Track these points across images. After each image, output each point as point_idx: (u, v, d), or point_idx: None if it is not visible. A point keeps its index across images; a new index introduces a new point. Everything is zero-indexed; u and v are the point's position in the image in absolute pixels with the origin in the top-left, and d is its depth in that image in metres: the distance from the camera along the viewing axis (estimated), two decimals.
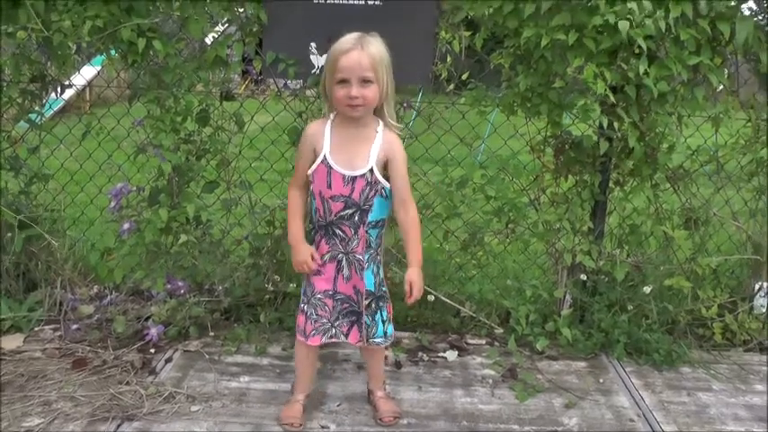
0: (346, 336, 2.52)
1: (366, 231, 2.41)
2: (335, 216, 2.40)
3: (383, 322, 2.52)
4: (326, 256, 2.45)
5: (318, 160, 2.38)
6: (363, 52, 2.26)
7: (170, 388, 2.78)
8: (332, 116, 2.40)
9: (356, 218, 2.39)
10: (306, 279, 2.51)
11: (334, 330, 2.50)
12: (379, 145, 2.37)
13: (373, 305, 2.49)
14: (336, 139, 2.37)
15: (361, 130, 2.38)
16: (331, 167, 2.35)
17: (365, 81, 2.28)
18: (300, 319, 2.52)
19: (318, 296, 2.47)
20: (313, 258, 2.43)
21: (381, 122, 2.40)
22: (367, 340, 2.51)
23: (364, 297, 2.46)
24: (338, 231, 2.42)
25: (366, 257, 2.44)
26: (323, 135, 2.38)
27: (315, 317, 2.48)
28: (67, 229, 3.65)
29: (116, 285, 3.48)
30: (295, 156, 2.43)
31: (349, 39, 2.29)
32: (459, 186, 3.23)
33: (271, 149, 3.70)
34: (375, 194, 2.38)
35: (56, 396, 2.70)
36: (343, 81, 2.28)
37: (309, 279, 2.49)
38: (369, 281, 2.46)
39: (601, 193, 3.21)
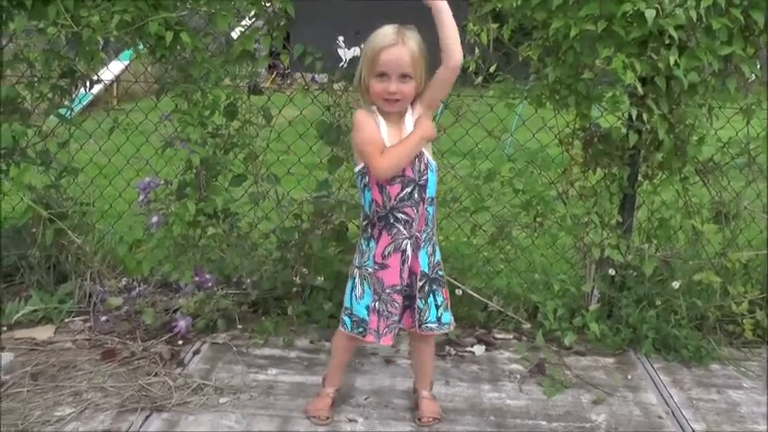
0: (399, 320, 2.48)
1: (425, 208, 2.40)
2: (395, 200, 2.36)
3: (437, 307, 2.48)
4: (390, 248, 2.40)
5: None
6: (405, 48, 2.26)
7: (198, 380, 2.80)
8: (374, 109, 2.37)
9: (416, 195, 2.36)
10: (371, 276, 2.42)
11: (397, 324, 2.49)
12: (412, 115, 2.37)
13: (426, 287, 2.45)
14: (388, 128, 2.36)
15: (401, 121, 2.37)
16: None
17: (404, 77, 2.28)
18: (373, 318, 2.43)
19: (388, 291, 2.42)
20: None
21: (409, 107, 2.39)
22: (419, 326, 2.47)
23: (418, 278, 2.42)
24: (400, 215, 2.37)
25: (423, 236, 2.42)
26: (380, 125, 2.35)
27: (386, 314, 2.43)
28: (96, 222, 3.69)
29: (144, 278, 3.51)
30: (362, 138, 2.33)
31: (389, 32, 2.28)
32: (487, 179, 3.22)
33: (298, 143, 3.71)
34: (426, 167, 2.37)
35: (86, 386, 2.73)
36: (382, 75, 2.28)
37: (377, 275, 2.42)
38: (423, 261, 2.43)
39: (629, 187, 3.18)
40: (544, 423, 2.61)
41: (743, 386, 2.93)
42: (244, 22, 3.42)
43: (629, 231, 3.24)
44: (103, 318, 3.22)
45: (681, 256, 3.29)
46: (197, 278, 3.18)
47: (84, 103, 4.40)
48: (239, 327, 3.25)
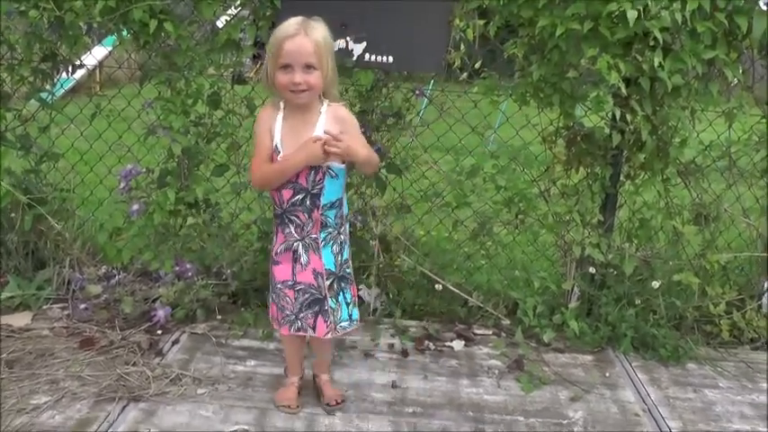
0: (313, 329, 2.48)
1: (322, 214, 2.40)
2: (288, 203, 2.39)
3: (347, 305, 2.51)
4: (282, 246, 2.45)
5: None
6: (307, 38, 2.25)
7: (176, 370, 2.79)
8: (281, 104, 2.38)
9: (308, 202, 2.38)
10: (270, 269, 2.52)
11: (299, 323, 2.49)
12: (324, 124, 2.35)
13: (335, 286, 2.46)
14: (286, 128, 2.36)
15: (306, 115, 2.37)
16: (280, 155, 2.34)
17: (308, 67, 2.26)
18: (273, 308, 2.55)
19: (279, 286, 2.48)
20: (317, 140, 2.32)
21: (325, 102, 2.39)
22: (335, 327, 2.48)
23: (325, 277, 2.44)
24: (293, 218, 2.41)
25: (322, 236, 2.42)
26: (275, 122, 2.37)
27: (280, 306, 2.50)
28: (76, 209, 3.66)
29: (124, 266, 3.48)
30: (254, 141, 2.41)
31: (292, 23, 2.27)
32: (469, 175, 3.22)
33: None
34: (323, 177, 2.36)
35: (63, 375, 2.71)
36: (287, 67, 2.26)
37: (272, 269, 2.50)
38: (328, 260, 2.44)
39: (611, 186, 3.20)
40: (521, 419, 2.62)
41: (719, 386, 2.96)
42: (229, 11, 3.40)
43: (610, 231, 3.26)
44: (82, 306, 3.19)
45: (661, 256, 3.32)
46: (177, 267, 3.16)
47: (65, 88, 4.35)
48: (219, 317, 3.24)
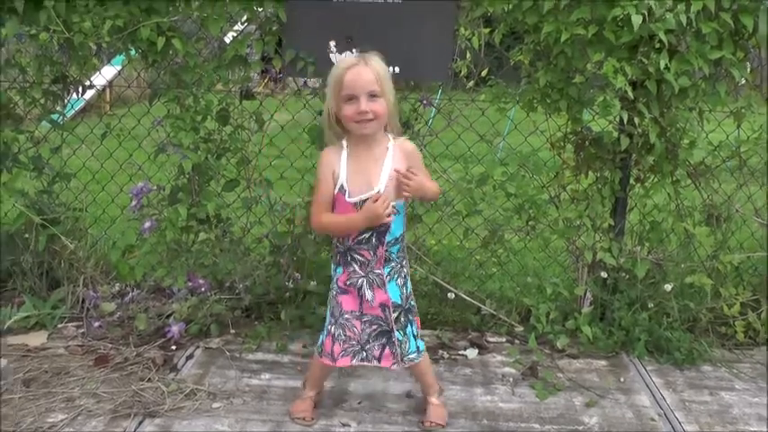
0: (378, 359, 2.47)
1: (386, 250, 2.40)
2: (353, 242, 2.39)
3: (414, 337, 2.50)
4: (347, 282, 2.44)
5: (336, 189, 2.37)
6: (367, 67, 2.27)
7: (191, 385, 2.80)
8: (344, 143, 2.38)
9: (374, 240, 2.38)
10: (333, 299, 2.49)
11: (364, 354, 2.47)
12: (392, 160, 2.36)
13: (402, 318, 2.46)
14: (352, 166, 2.36)
15: (373, 150, 2.37)
16: (346, 194, 2.34)
17: (372, 95, 2.27)
18: (328, 341, 2.48)
19: (346, 316, 2.45)
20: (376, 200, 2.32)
21: (390, 136, 2.40)
22: (402, 359, 2.48)
23: (392, 310, 2.43)
24: (357, 256, 2.41)
25: (387, 271, 2.42)
26: (339, 162, 2.36)
27: (343, 337, 2.46)
28: (89, 228, 3.69)
29: (137, 283, 3.51)
30: (315, 184, 2.42)
31: (350, 57, 2.33)
32: (479, 183, 3.23)
33: (291, 148, 3.71)
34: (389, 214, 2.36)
35: (79, 392, 2.73)
36: (351, 98, 2.27)
37: (337, 298, 2.46)
38: (394, 293, 2.43)
39: (621, 190, 3.19)
40: (537, 426, 2.61)
41: (735, 388, 2.94)
42: (236, 27, 3.42)
43: (621, 234, 3.25)
44: (96, 323, 3.21)
45: (673, 258, 3.30)
46: (190, 283, 3.18)
47: (76, 109, 4.39)
48: (232, 332, 3.25)
